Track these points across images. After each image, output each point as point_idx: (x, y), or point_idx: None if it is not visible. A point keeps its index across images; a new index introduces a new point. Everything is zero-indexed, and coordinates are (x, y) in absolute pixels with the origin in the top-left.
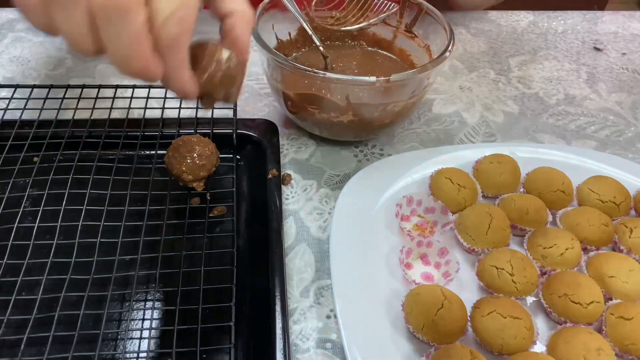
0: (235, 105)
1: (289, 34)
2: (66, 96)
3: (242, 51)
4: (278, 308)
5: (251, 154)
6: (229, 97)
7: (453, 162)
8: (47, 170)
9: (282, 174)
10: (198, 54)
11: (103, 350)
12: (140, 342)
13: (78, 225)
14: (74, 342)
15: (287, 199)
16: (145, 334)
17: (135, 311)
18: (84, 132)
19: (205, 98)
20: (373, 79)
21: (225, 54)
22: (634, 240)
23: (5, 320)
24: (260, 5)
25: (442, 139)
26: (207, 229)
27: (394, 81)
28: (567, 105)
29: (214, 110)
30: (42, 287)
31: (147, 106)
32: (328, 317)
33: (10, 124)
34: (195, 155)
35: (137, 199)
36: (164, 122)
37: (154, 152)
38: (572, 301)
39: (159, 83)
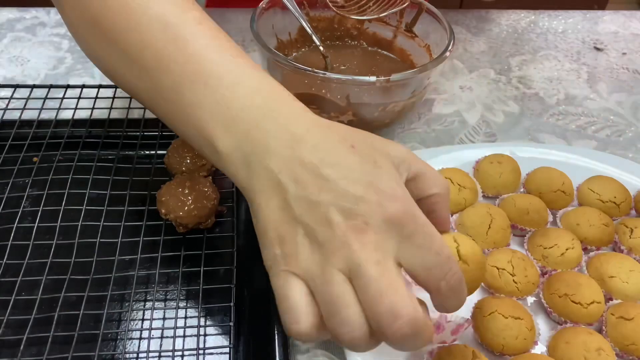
0: None
1: (289, 34)
2: (66, 96)
3: (445, 227)
4: None
5: None
6: None
7: (453, 162)
8: (46, 170)
9: None
10: None
11: (103, 350)
12: (140, 342)
13: (78, 225)
14: (74, 342)
15: None
16: (145, 334)
17: (135, 311)
18: (84, 132)
19: None
20: (373, 78)
21: None
22: (634, 240)
23: (5, 320)
24: (260, 5)
25: (442, 139)
26: (206, 229)
27: (394, 81)
28: (568, 105)
29: None
30: (42, 287)
31: None
32: None
33: (10, 124)
34: (195, 155)
35: (137, 199)
36: None
37: (154, 152)
38: (572, 301)
39: None
